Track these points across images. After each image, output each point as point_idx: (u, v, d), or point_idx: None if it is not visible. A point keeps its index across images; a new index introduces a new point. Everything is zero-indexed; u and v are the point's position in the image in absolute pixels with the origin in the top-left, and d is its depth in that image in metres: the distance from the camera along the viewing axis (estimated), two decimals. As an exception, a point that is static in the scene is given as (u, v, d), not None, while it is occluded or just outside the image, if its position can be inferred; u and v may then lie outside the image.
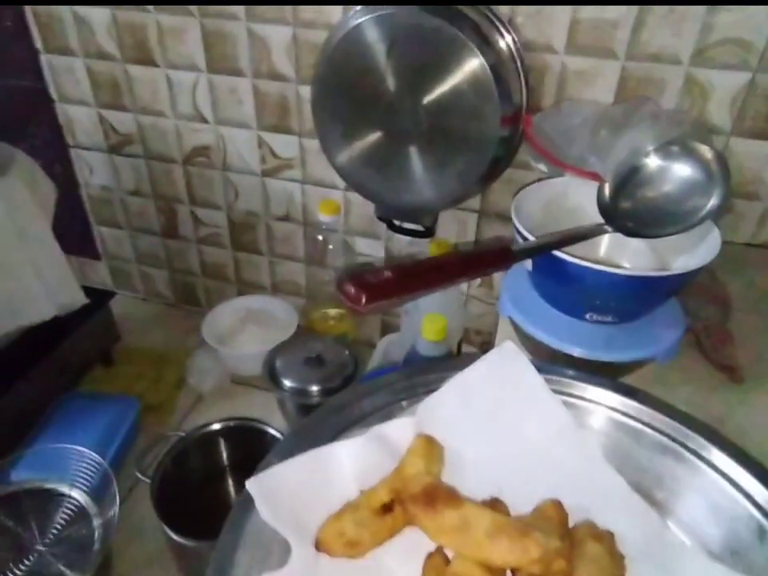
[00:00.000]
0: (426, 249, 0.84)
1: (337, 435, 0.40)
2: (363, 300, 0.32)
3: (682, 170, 0.47)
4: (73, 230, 1.03)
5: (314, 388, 0.79)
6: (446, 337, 0.73)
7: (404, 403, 0.43)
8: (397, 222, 0.77)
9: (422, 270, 0.36)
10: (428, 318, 0.74)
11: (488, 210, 0.79)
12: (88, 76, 0.85)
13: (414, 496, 0.35)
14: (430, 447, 0.41)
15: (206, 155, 0.87)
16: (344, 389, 0.79)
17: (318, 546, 0.35)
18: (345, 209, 0.85)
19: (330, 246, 0.86)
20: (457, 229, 0.82)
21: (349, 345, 0.87)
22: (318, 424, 0.40)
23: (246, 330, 0.95)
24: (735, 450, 0.39)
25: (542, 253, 0.42)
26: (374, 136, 0.68)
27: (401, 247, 0.87)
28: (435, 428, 0.42)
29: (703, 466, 0.39)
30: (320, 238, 0.86)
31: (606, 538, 0.36)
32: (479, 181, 0.69)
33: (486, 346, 0.92)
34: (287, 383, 0.80)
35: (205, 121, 0.84)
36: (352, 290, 0.33)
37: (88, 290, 0.80)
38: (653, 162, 0.48)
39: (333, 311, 0.93)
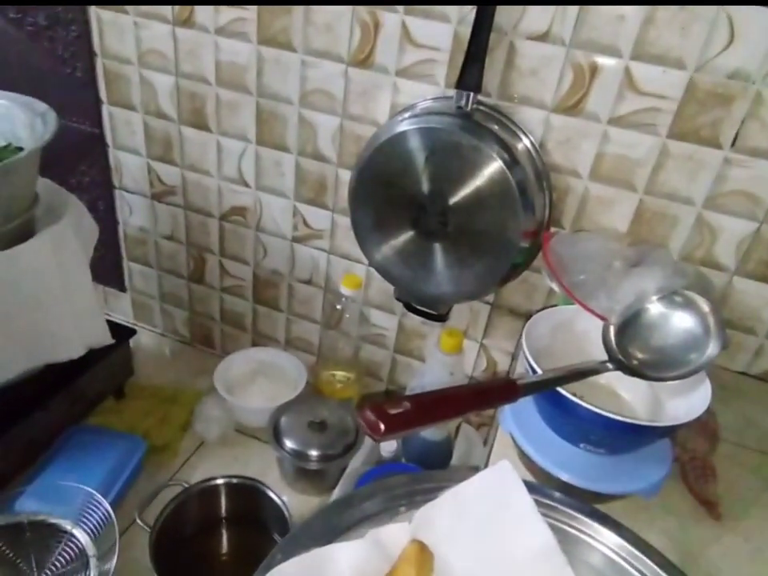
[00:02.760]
0: (437, 329, 0.88)
1: (338, 535, 0.43)
2: (382, 429, 0.36)
3: (682, 321, 0.51)
4: (105, 261, 1.08)
5: (314, 453, 0.82)
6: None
7: (402, 509, 0.47)
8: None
9: (438, 403, 0.39)
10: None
11: (501, 303, 0.84)
12: (144, 130, 0.91)
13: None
14: (422, 554, 0.45)
15: (243, 215, 0.93)
16: (343, 456, 0.83)
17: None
18: (366, 282, 0.90)
19: (347, 315, 0.91)
20: (469, 318, 0.86)
21: (352, 411, 0.90)
22: (322, 523, 0.43)
23: (256, 382, 0.99)
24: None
25: (546, 388, 0.46)
26: (403, 229, 0.73)
27: (414, 325, 0.92)
28: (428, 536, 0.45)
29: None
30: (338, 307, 0.90)
31: None
32: (496, 283, 0.74)
33: (483, 427, 0.96)
34: (288, 444, 0.83)
35: (246, 185, 0.89)
36: (372, 418, 0.37)
37: (111, 326, 0.84)
38: (656, 308, 0.52)
39: (340, 374, 0.97)
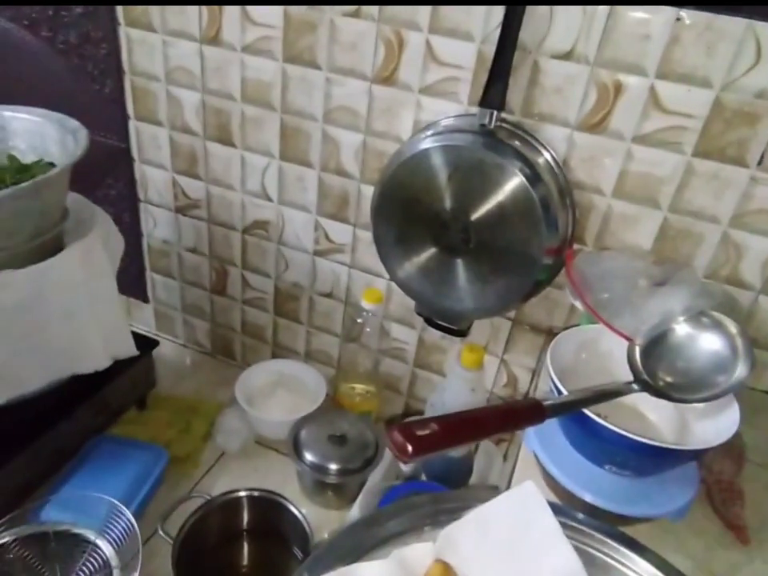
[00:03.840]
0: (458, 344, 0.88)
1: (363, 554, 0.43)
2: (410, 451, 0.37)
3: (710, 342, 0.51)
4: (129, 272, 1.10)
5: (334, 466, 0.83)
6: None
7: (426, 528, 0.47)
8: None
9: (465, 425, 0.40)
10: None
11: (522, 319, 0.83)
12: (170, 145, 0.92)
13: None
14: (446, 574, 0.45)
15: (265, 229, 0.94)
16: (363, 470, 0.83)
17: None
18: (386, 296, 0.90)
19: (367, 329, 0.91)
20: (490, 333, 0.86)
21: (372, 425, 0.91)
22: (347, 542, 0.44)
23: (276, 394, 0.99)
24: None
25: (571, 410, 0.46)
26: (426, 245, 0.73)
27: (434, 339, 0.92)
28: (452, 556, 0.45)
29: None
30: (359, 320, 0.90)
31: None
32: (519, 299, 0.74)
33: (503, 443, 0.95)
34: (309, 457, 0.83)
35: (269, 199, 0.90)
36: (400, 439, 0.37)
37: (135, 337, 0.85)
38: (683, 329, 0.52)
39: (360, 387, 0.97)
